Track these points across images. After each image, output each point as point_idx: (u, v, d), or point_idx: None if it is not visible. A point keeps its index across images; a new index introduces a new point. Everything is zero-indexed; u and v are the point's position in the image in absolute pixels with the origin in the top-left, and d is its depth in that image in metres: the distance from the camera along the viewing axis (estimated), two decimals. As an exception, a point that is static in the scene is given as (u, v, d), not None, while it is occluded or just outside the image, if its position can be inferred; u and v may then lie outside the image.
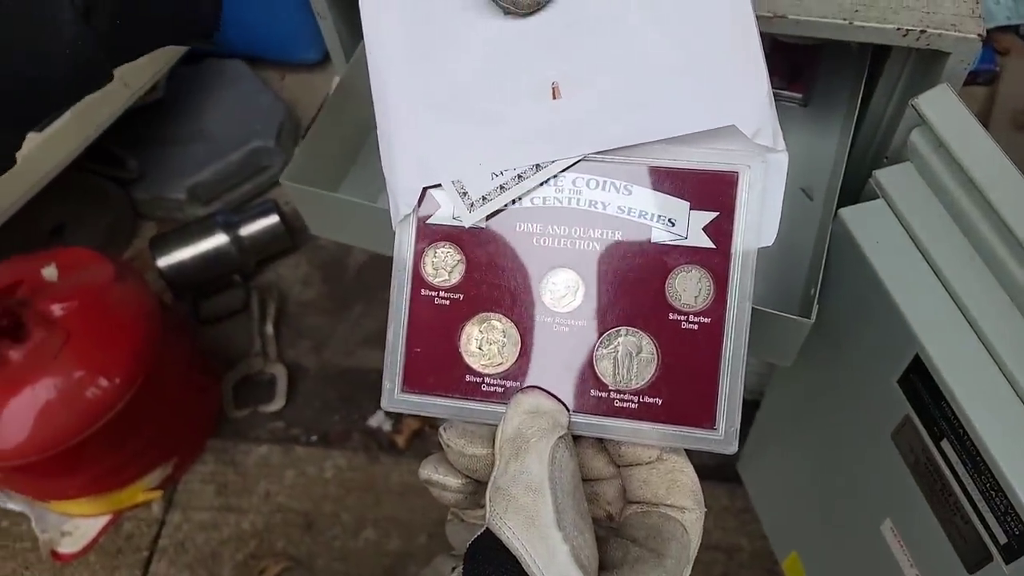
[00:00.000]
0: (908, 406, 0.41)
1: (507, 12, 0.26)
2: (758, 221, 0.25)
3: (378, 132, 0.27)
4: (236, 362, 0.96)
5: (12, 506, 0.88)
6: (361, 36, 0.32)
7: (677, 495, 0.25)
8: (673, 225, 0.25)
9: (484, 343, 0.26)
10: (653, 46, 0.25)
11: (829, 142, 0.54)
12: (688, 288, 0.25)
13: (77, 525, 0.88)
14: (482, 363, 0.26)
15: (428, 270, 0.26)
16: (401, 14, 0.27)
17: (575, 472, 0.24)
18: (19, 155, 0.88)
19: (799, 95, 0.56)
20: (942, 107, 0.41)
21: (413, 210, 0.26)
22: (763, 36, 0.26)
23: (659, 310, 0.25)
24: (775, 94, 0.57)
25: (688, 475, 0.25)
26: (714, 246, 0.25)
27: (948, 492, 0.39)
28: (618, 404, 0.25)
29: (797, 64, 0.57)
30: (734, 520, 0.79)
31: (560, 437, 0.24)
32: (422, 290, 0.26)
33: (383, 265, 1.08)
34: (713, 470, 0.81)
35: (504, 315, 0.26)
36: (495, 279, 0.26)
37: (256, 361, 0.96)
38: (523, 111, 0.26)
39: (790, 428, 0.62)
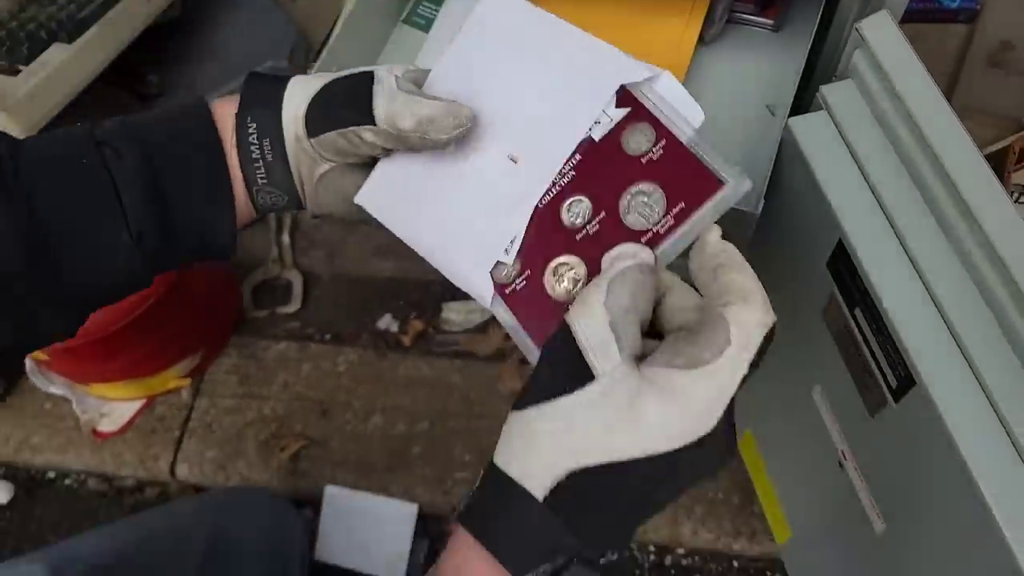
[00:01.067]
0: (833, 285, 0.49)
1: (445, 144, 0.37)
2: (678, 112, 0.35)
3: (437, 266, 0.39)
4: (254, 268, 1.04)
5: (54, 390, 0.98)
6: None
7: (718, 288, 0.30)
8: (599, 123, 0.36)
9: (563, 280, 0.35)
10: (547, 93, 0.37)
11: (795, 64, 0.61)
12: (635, 138, 0.35)
13: (114, 408, 0.98)
14: (573, 293, 0.34)
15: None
16: (394, 196, 0.39)
17: (641, 289, 0.30)
18: (53, 67, 0.94)
19: (770, 21, 0.62)
20: (881, 31, 0.48)
21: (494, 295, 0.36)
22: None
23: (629, 165, 0.34)
24: (748, 20, 0.63)
25: (733, 265, 0.31)
26: (631, 108, 0.35)
27: (859, 352, 0.48)
28: (664, 231, 0.33)
29: (771, -8, 0.63)
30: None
31: (637, 264, 0.31)
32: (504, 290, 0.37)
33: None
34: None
35: (564, 255, 0.35)
36: (538, 246, 0.36)
37: (273, 267, 1.04)
38: (506, 185, 0.37)
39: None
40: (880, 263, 0.44)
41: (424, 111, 0.36)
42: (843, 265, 0.47)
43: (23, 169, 0.36)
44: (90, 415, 0.97)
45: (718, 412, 0.29)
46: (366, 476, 0.90)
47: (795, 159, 0.50)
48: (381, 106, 0.36)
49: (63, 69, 0.91)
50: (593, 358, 0.29)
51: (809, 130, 0.49)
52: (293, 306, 1.02)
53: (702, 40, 0.61)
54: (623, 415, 0.28)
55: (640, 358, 0.30)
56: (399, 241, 0.40)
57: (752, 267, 0.32)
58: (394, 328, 1.00)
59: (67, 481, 0.99)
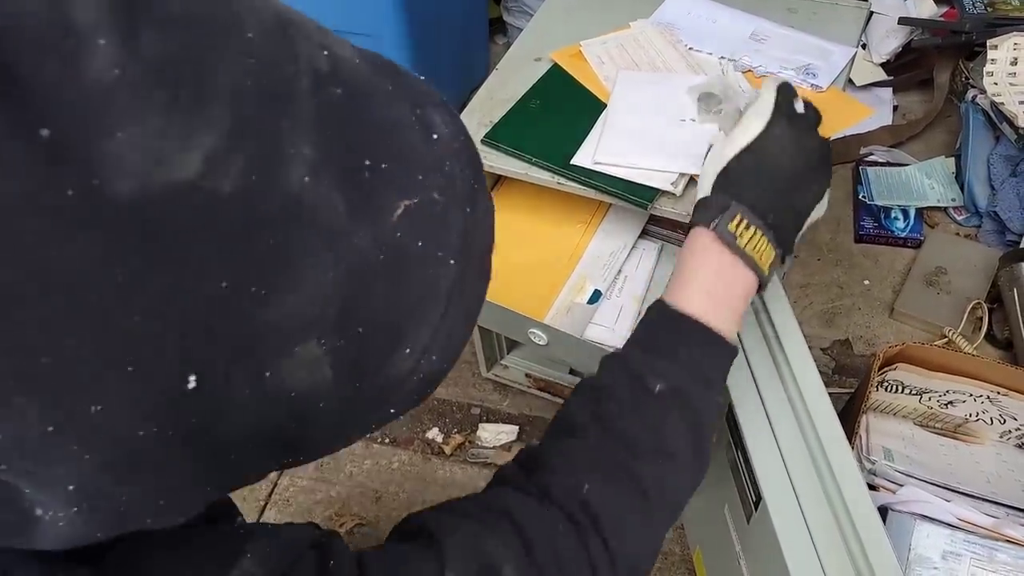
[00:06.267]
0: (729, 435, 0.75)
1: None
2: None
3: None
4: (339, 380, 1.34)
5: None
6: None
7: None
8: None
9: None
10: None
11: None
12: None
13: (217, 477, 1.26)
14: None
15: None
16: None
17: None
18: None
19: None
20: (773, 289, 0.77)
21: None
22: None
23: None
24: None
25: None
26: None
27: (740, 478, 0.73)
28: None
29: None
30: (672, 534, 1.11)
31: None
32: None
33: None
34: (664, 498, 1.14)
35: None
36: None
37: (353, 381, 1.34)
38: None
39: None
40: (751, 422, 0.71)
41: None
42: (730, 421, 0.73)
43: None
44: (200, 480, 1.25)
45: (766, 117, 0.61)
46: (403, 554, 1.15)
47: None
48: None
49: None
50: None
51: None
52: (364, 413, 1.31)
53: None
54: (737, 134, 0.62)
55: None
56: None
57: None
58: (439, 439, 1.27)
59: (171, 532, 1.26)
